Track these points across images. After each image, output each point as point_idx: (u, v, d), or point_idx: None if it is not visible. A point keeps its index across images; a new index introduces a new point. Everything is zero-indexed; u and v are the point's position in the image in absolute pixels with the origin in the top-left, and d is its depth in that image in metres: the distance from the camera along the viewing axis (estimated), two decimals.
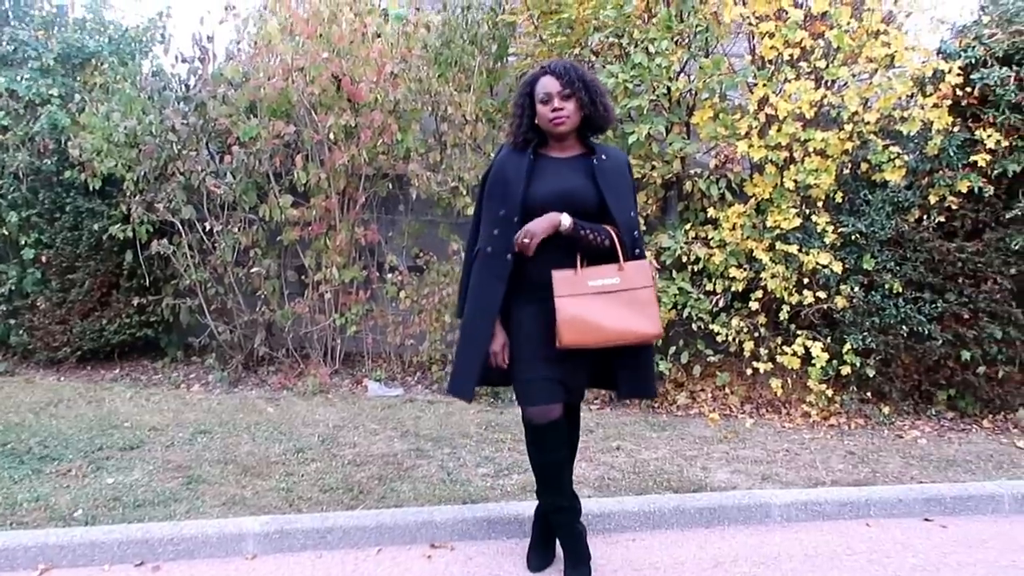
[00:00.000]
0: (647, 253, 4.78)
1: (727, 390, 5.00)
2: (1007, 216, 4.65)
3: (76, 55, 5.92)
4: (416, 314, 5.42)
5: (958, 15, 5.14)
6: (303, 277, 5.51)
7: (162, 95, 5.44)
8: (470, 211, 4.76)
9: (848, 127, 4.64)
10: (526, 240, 2.43)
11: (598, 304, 2.48)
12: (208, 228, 5.29)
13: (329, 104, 5.15)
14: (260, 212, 5.26)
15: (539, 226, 2.44)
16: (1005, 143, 4.56)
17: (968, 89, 4.65)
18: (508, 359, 2.58)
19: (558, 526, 2.75)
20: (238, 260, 5.40)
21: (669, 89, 4.89)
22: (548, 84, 2.51)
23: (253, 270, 5.35)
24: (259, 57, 5.31)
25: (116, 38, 6.13)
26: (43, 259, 5.53)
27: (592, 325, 2.46)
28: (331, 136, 5.09)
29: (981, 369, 4.71)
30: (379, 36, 5.22)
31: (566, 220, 2.46)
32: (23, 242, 5.56)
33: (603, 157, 2.60)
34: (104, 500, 3.21)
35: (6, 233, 5.59)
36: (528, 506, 3.07)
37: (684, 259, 4.89)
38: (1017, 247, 4.58)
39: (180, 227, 5.33)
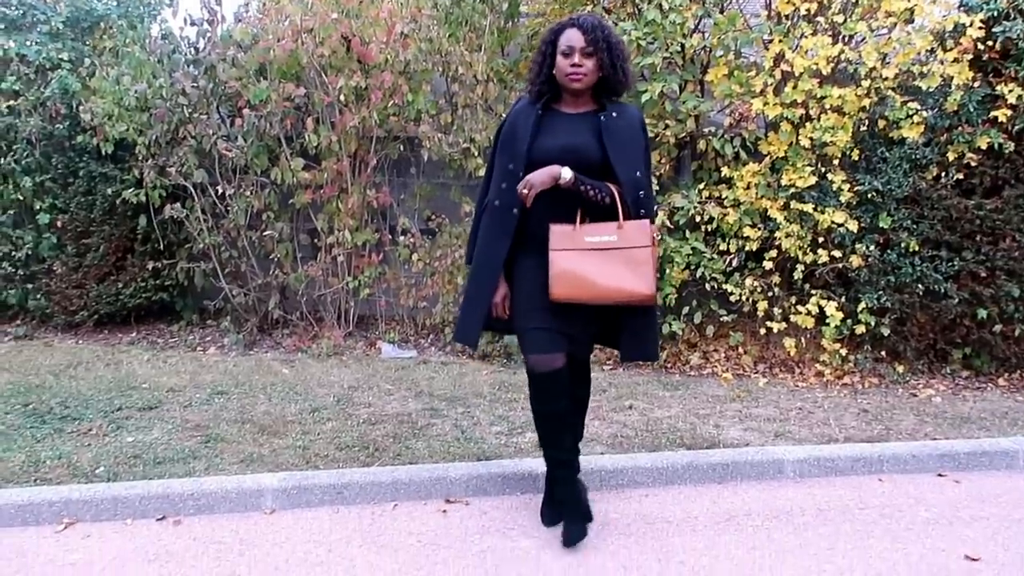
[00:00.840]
0: (659, 213, 4.78)
1: (740, 350, 5.00)
2: None
3: (85, 19, 5.89)
4: (428, 276, 5.43)
5: None
6: (316, 240, 5.52)
7: (172, 58, 5.41)
8: (481, 172, 4.73)
9: (866, 83, 4.56)
10: (524, 191, 2.44)
11: (593, 260, 2.48)
12: (220, 192, 5.30)
13: (339, 66, 5.10)
14: (272, 175, 5.26)
15: (538, 177, 2.44)
16: None
17: (990, 43, 4.56)
18: (509, 310, 2.65)
19: (555, 480, 2.76)
20: (251, 224, 5.42)
21: (683, 46, 4.81)
22: (573, 37, 2.48)
23: (266, 233, 5.37)
24: (268, 19, 5.27)
25: (124, 1, 6.08)
26: (58, 224, 5.56)
27: (584, 280, 2.46)
28: (341, 98, 5.06)
29: (997, 327, 4.68)
30: None
31: (567, 173, 2.45)
32: (38, 207, 5.59)
33: (613, 115, 2.57)
34: (125, 457, 3.27)
35: (21, 198, 5.62)
36: (542, 463, 3.08)
37: (698, 219, 4.86)
38: None
39: (193, 191, 5.35)
